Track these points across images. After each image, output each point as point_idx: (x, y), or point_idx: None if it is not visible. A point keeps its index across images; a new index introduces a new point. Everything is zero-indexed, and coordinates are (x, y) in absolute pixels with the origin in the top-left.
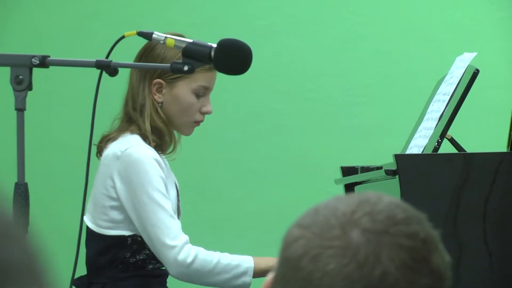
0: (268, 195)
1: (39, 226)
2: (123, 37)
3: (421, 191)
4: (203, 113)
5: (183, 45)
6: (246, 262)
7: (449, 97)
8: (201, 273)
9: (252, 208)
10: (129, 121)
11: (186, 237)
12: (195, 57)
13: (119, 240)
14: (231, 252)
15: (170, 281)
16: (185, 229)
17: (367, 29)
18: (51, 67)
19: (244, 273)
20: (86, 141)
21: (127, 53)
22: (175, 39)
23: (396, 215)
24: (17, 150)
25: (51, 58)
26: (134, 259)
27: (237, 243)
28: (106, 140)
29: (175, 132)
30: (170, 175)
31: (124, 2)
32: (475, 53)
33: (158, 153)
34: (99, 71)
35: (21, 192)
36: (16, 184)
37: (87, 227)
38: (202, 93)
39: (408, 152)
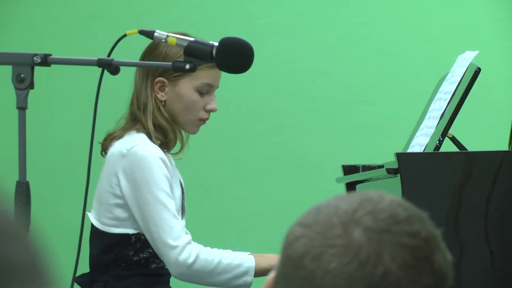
0: (269, 194)
1: (41, 225)
2: (124, 35)
3: (422, 190)
4: (208, 111)
5: (185, 44)
6: (248, 261)
7: (450, 95)
8: (202, 273)
9: (253, 206)
10: (134, 120)
11: (188, 237)
12: (197, 55)
13: (123, 238)
14: (233, 250)
15: (173, 280)
16: (188, 227)
17: (368, 29)
18: (52, 66)
19: (245, 273)
20: (88, 140)
21: (129, 52)
22: (176, 38)
23: (398, 214)
24: (19, 149)
25: (53, 56)
26: (138, 258)
27: (239, 241)
28: (111, 138)
29: (183, 132)
30: (175, 173)
31: (126, 2)
32: (477, 52)
33: (164, 151)
34: (100, 69)
35: (23, 190)
36: (18, 183)
37: (92, 225)
38: (205, 90)
39: (409, 150)
